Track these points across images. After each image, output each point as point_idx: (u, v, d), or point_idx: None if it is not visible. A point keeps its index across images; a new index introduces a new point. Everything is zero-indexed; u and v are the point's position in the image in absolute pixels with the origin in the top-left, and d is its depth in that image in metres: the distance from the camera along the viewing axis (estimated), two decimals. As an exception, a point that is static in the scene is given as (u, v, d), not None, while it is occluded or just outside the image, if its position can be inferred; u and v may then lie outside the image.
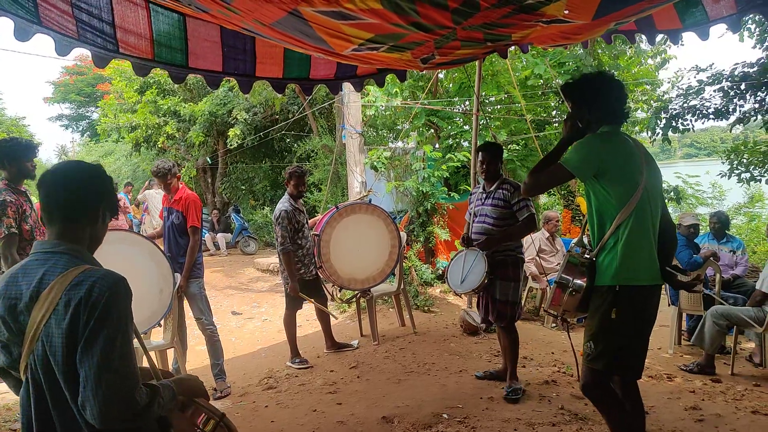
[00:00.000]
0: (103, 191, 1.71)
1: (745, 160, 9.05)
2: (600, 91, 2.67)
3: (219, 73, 3.68)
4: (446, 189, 9.10)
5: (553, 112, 12.55)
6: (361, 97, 8.70)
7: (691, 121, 8.76)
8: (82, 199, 1.65)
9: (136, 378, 1.49)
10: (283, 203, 5.10)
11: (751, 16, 6.66)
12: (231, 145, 13.38)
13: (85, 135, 33.15)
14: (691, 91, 8.94)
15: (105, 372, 1.40)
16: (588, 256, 2.64)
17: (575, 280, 2.63)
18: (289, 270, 5.03)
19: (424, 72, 8.40)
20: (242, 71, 3.76)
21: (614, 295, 2.53)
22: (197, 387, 1.84)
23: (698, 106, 8.82)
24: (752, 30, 8.73)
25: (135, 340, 1.75)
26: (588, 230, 2.76)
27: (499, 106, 10.39)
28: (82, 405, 1.41)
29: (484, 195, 4.28)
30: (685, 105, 8.90)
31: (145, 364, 1.84)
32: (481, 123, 7.65)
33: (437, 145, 9.53)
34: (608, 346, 2.55)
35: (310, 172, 5.50)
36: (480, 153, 4.31)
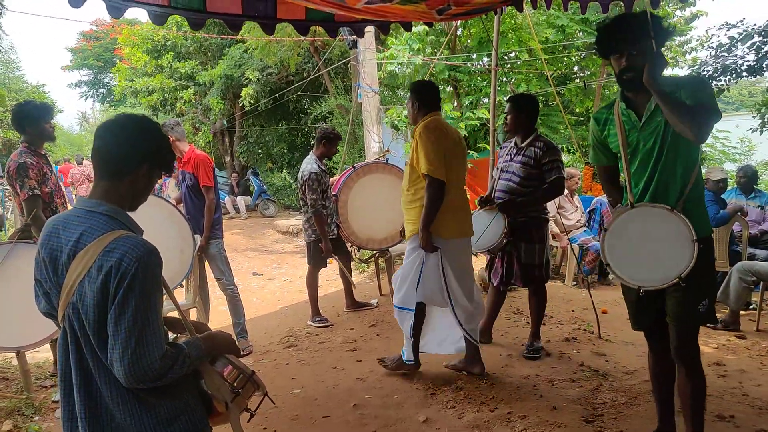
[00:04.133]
0: (150, 148, 1.67)
1: (777, 114, 8.74)
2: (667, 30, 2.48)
3: (239, 16, 3.54)
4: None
5: (575, 68, 12.20)
6: (381, 53, 8.51)
7: (725, 81, 8.46)
8: (126, 156, 1.63)
9: (161, 344, 1.53)
10: (311, 164, 5.01)
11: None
12: (244, 105, 13.32)
13: (105, 101, 33.31)
14: (722, 50, 8.61)
15: (130, 339, 1.46)
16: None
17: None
18: (321, 231, 5.01)
19: (442, 25, 8.17)
20: (263, 13, 3.61)
21: (711, 244, 2.49)
22: (227, 343, 1.84)
23: (731, 64, 8.49)
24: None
25: (167, 298, 1.80)
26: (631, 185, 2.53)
27: (519, 62, 10.12)
28: (110, 363, 1.49)
29: (515, 150, 4.07)
30: (718, 65, 8.57)
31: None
32: (500, 79, 7.46)
33: (456, 103, 9.36)
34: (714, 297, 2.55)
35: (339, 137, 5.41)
36: (507, 105, 4.13)
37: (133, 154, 1.63)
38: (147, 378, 1.49)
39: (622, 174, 2.59)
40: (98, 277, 1.47)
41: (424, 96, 3.61)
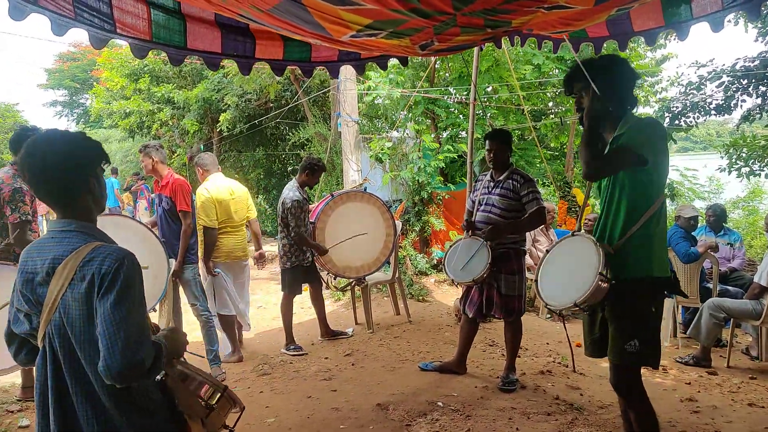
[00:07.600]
0: (88, 161, 1.72)
1: (744, 155, 9.04)
2: (624, 73, 2.65)
3: (218, 54, 3.59)
4: (442, 179, 9.07)
5: (550, 104, 12.50)
6: (361, 83, 8.62)
7: (694, 118, 8.71)
8: (70, 182, 1.68)
9: (149, 338, 1.59)
10: (294, 192, 5.15)
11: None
12: (221, 130, 13.30)
13: (80, 121, 32.87)
14: (691, 88, 8.90)
15: (119, 332, 1.50)
16: (610, 248, 2.51)
17: (607, 273, 2.46)
18: (308, 243, 5.20)
19: (422, 59, 8.33)
20: (241, 52, 3.65)
21: (653, 287, 2.49)
22: (181, 341, 1.88)
23: (700, 102, 8.78)
24: (755, 23, 8.65)
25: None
26: (585, 219, 2.70)
27: (496, 96, 10.33)
28: (101, 364, 1.49)
29: (492, 184, 4.16)
30: (687, 102, 8.85)
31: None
32: (478, 113, 7.60)
33: (434, 136, 9.49)
34: (655, 340, 2.52)
35: (324, 168, 5.60)
36: (487, 141, 4.20)
37: (77, 177, 1.68)
38: (137, 371, 1.51)
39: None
40: (82, 285, 1.53)
41: (203, 163, 4.96)
